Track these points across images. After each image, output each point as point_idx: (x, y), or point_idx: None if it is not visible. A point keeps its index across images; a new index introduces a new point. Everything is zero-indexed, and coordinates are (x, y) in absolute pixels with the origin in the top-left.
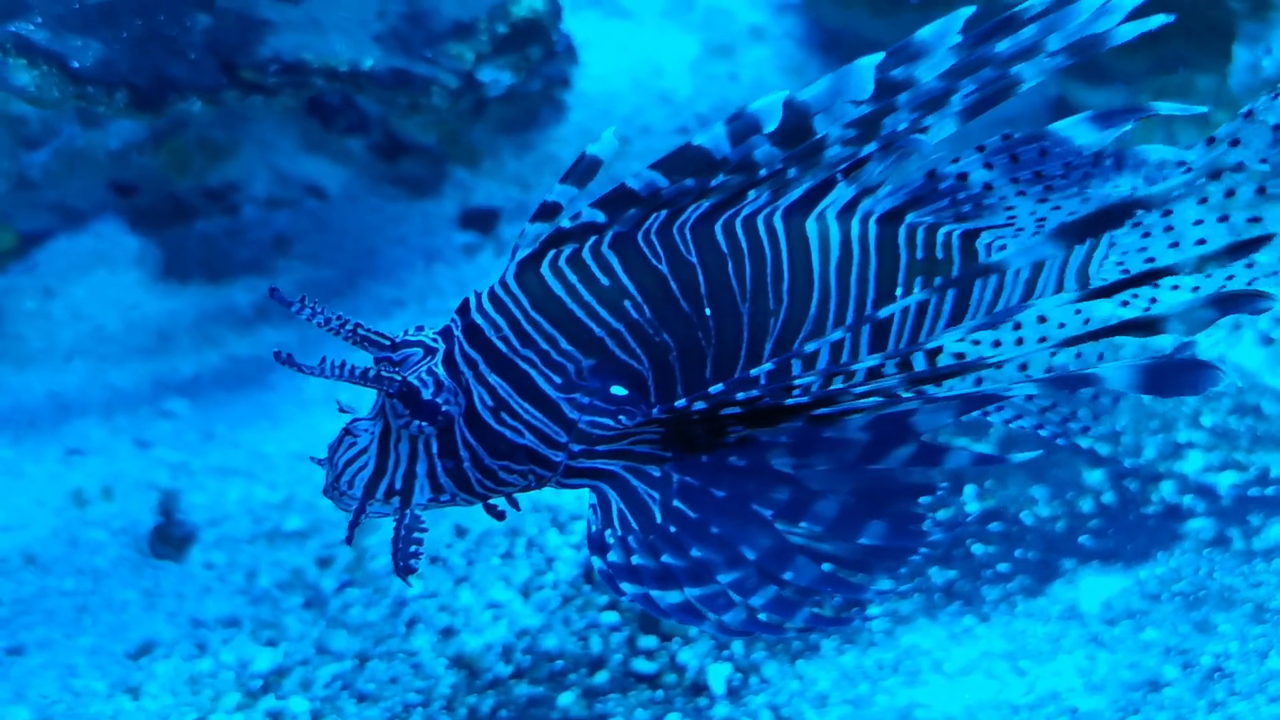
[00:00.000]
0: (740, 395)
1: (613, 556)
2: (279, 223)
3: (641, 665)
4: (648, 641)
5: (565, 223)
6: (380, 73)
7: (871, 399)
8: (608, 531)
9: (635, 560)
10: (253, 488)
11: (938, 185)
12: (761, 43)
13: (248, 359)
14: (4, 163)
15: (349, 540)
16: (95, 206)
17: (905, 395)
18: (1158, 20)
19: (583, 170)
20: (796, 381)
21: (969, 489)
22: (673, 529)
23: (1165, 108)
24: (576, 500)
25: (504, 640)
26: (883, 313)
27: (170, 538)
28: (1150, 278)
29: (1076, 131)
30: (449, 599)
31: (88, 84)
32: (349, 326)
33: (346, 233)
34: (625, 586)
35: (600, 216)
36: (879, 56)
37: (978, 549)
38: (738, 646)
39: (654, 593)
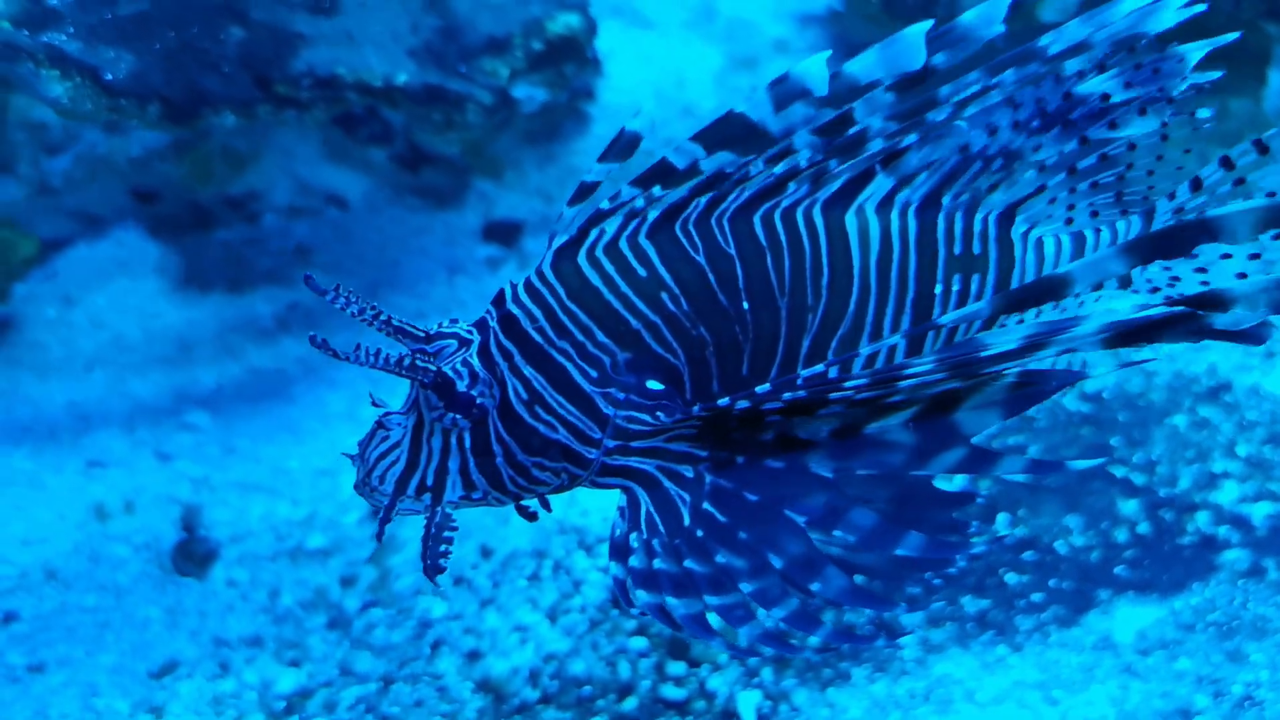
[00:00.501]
0: (787, 395)
1: (634, 561)
2: (300, 232)
3: (670, 691)
4: (676, 668)
5: (604, 203)
6: (414, 88)
7: (913, 381)
8: (633, 535)
9: (657, 565)
10: (275, 504)
11: (970, 152)
12: (785, 56)
13: (269, 371)
14: (25, 169)
15: (378, 538)
16: (116, 213)
17: (941, 376)
18: (1199, 8)
19: (622, 147)
20: (844, 385)
21: (1002, 517)
22: (700, 533)
23: (1190, 48)
24: (604, 523)
25: (531, 664)
26: (943, 320)
27: (193, 554)
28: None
29: (1107, 88)
30: (474, 621)
31: (120, 96)
32: (383, 317)
33: (368, 243)
34: (639, 595)
35: (639, 193)
36: (928, 24)
37: (1011, 578)
38: (767, 673)
39: (669, 601)
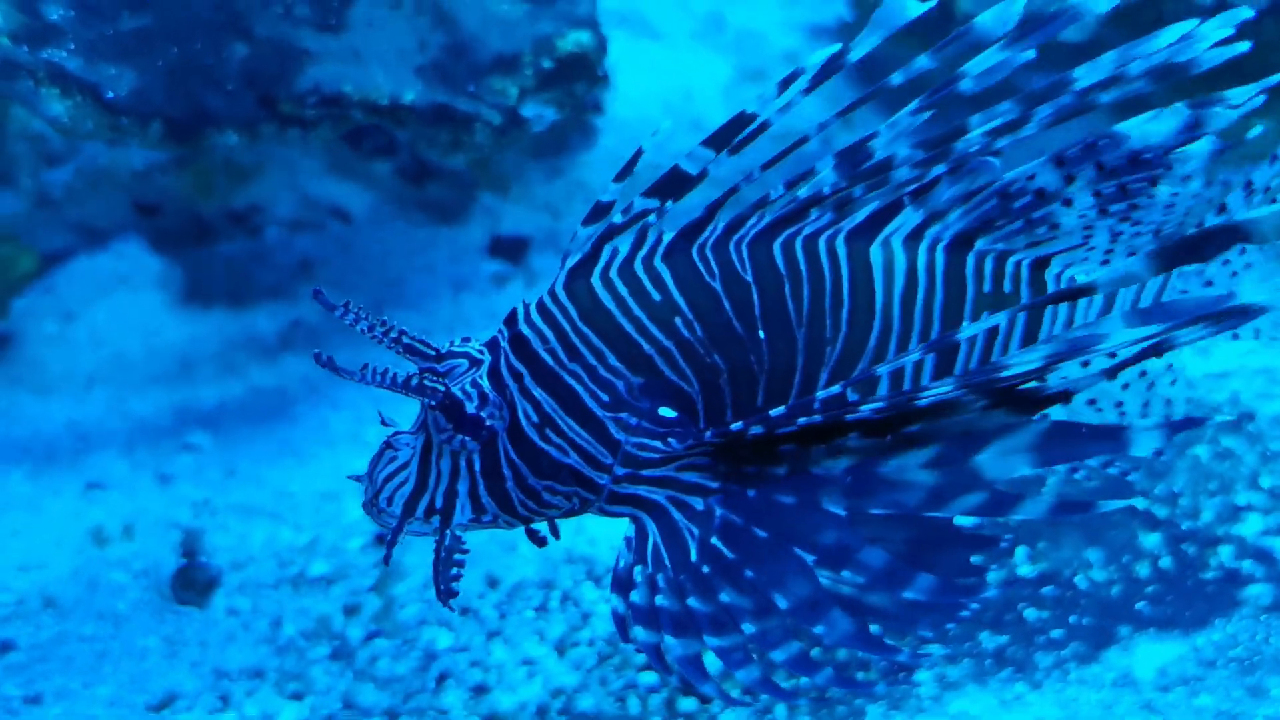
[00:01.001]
0: (802, 420)
1: (635, 596)
2: (303, 246)
3: None
4: (687, 704)
5: (618, 217)
6: (421, 107)
7: (930, 401)
8: (638, 568)
9: (659, 601)
10: (277, 529)
11: (1011, 205)
12: (794, 67)
13: (271, 390)
14: (25, 180)
15: (386, 560)
16: (117, 226)
17: (968, 397)
18: (1244, 46)
19: (637, 166)
20: (861, 409)
21: (1020, 550)
22: (706, 569)
23: (1237, 95)
24: (612, 553)
25: (539, 699)
26: (962, 333)
27: (193, 582)
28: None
29: (1147, 130)
30: (481, 654)
31: (122, 115)
32: (393, 334)
33: (371, 258)
34: (637, 633)
35: (653, 205)
36: None
37: (1030, 614)
38: (780, 710)
39: (667, 640)
